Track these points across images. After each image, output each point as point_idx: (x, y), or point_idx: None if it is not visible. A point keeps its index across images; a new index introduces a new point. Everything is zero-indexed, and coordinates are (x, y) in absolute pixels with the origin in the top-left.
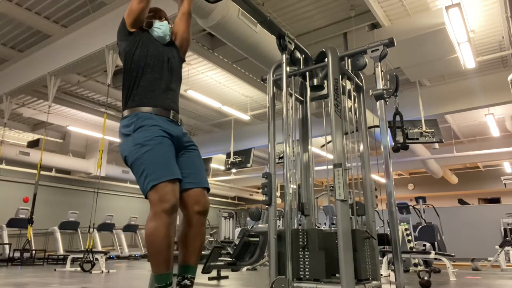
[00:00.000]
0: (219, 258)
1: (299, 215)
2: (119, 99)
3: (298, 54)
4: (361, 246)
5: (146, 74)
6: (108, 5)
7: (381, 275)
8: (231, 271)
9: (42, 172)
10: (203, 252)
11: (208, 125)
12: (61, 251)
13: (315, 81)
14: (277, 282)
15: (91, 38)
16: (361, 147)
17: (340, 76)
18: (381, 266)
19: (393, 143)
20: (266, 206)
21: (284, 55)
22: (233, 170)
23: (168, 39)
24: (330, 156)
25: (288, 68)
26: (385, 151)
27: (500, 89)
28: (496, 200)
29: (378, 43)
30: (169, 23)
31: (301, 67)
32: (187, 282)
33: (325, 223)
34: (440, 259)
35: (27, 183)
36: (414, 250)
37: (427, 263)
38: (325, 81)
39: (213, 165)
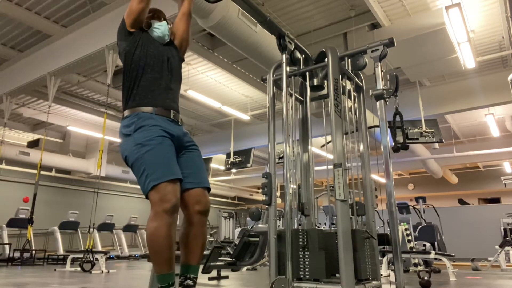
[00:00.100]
0: (219, 258)
1: (299, 215)
2: (119, 99)
3: (298, 54)
4: (361, 246)
5: (146, 74)
6: (108, 5)
7: (381, 275)
8: (231, 271)
9: (42, 172)
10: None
11: (208, 125)
12: (61, 251)
13: (315, 81)
14: (277, 282)
15: (91, 38)
16: (361, 147)
17: (340, 76)
18: (381, 266)
19: (393, 143)
20: (266, 206)
21: (284, 55)
22: (233, 170)
23: (168, 39)
24: (330, 156)
25: (288, 68)
26: (385, 151)
27: (500, 89)
28: (496, 200)
29: (378, 43)
30: (168, 23)
31: (301, 67)
32: (189, 282)
33: (325, 223)
34: (440, 259)
35: (27, 183)
36: (414, 250)
37: (427, 263)
38: (325, 81)
39: (213, 165)
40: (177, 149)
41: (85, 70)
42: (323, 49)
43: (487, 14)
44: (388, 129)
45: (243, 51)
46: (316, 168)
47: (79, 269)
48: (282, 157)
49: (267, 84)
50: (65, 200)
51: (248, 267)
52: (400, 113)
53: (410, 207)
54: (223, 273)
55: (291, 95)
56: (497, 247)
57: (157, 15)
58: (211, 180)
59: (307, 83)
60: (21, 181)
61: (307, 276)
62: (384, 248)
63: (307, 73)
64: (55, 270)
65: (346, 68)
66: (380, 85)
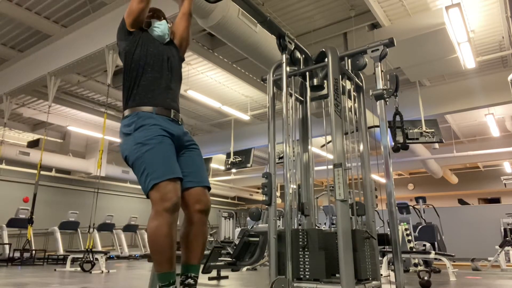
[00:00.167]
0: (219, 258)
1: (299, 215)
2: (119, 99)
3: (298, 54)
4: (361, 246)
5: (146, 73)
6: (108, 5)
7: (381, 275)
8: (231, 271)
9: (42, 172)
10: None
11: (208, 125)
12: (61, 251)
13: (315, 81)
14: (277, 282)
15: (91, 38)
16: (361, 147)
17: (340, 76)
18: (381, 266)
19: (393, 143)
20: (266, 206)
21: (284, 55)
22: (233, 170)
23: (167, 38)
24: (330, 156)
25: (288, 68)
26: (385, 151)
27: (500, 89)
28: (496, 200)
29: (378, 43)
30: (167, 22)
31: (301, 67)
32: (190, 281)
33: (325, 223)
34: (440, 259)
35: (27, 183)
36: (414, 250)
37: (427, 263)
38: (325, 81)
39: (213, 165)
40: (177, 149)
41: (85, 70)
42: (323, 49)
43: (487, 14)
44: (388, 129)
45: (243, 51)
46: (316, 168)
47: (79, 269)
48: (282, 157)
49: (267, 84)
50: (65, 200)
51: (248, 267)
52: (400, 113)
53: (410, 207)
54: (223, 273)
55: (291, 95)
56: (497, 247)
57: (157, 14)
58: (211, 180)
59: (307, 83)
60: (21, 181)
61: (307, 276)
62: (384, 248)
63: (307, 73)
64: (55, 270)
65: (346, 68)
66: (380, 85)
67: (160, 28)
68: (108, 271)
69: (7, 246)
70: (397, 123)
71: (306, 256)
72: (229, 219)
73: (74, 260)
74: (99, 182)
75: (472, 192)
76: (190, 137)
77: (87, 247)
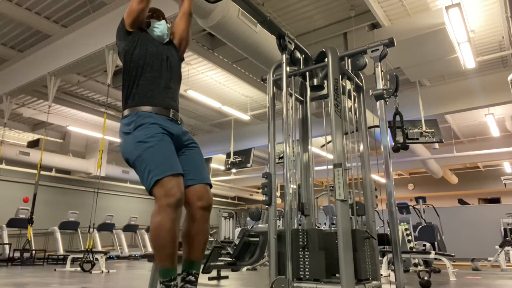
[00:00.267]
0: (219, 258)
1: (299, 215)
2: (119, 99)
3: (298, 54)
4: (361, 246)
5: (146, 73)
6: (108, 5)
7: (381, 275)
8: (231, 271)
9: (42, 172)
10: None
11: (208, 125)
12: (61, 251)
13: (315, 81)
14: (277, 282)
15: (91, 38)
16: (361, 147)
17: (340, 76)
18: (381, 266)
19: (393, 143)
20: (266, 206)
21: (284, 55)
22: (233, 170)
23: (167, 38)
24: (330, 156)
25: (288, 68)
26: (385, 151)
27: (500, 89)
28: (496, 200)
29: (378, 43)
30: (167, 22)
31: (301, 67)
32: (191, 278)
33: (325, 223)
34: (440, 259)
35: (27, 183)
36: (414, 250)
37: (427, 263)
38: (325, 81)
39: (213, 165)
40: (177, 148)
41: (85, 70)
42: (323, 49)
43: (487, 14)
44: (388, 129)
45: (243, 51)
46: (316, 168)
47: (79, 269)
48: (282, 157)
49: (267, 84)
50: (65, 200)
51: (248, 267)
52: (400, 113)
53: (410, 207)
54: (223, 273)
55: (291, 95)
56: (497, 247)
57: (156, 14)
58: (211, 180)
59: (307, 83)
60: (21, 181)
61: (307, 276)
62: (384, 248)
63: (307, 73)
64: (55, 270)
65: (346, 68)
66: (380, 85)
67: (159, 28)
68: (108, 271)
69: (7, 246)
70: (397, 123)
71: (306, 256)
72: (229, 219)
73: (74, 260)
74: (99, 182)
75: (472, 192)
76: (190, 136)
77: (87, 247)
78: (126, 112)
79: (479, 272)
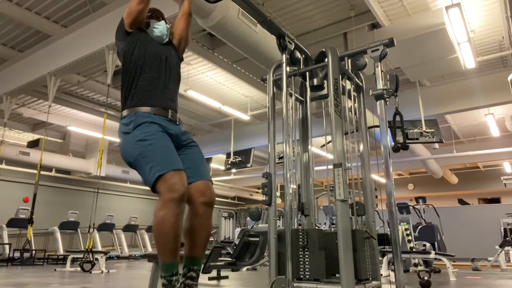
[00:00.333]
0: (219, 258)
1: (299, 215)
2: (119, 99)
3: (298, 54)
4: (361, 246)
5: (144, 73)
6: (108, 5)
7: (381, 275)
8: (231, 271)
9: (42, 172)
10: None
11: (208, 125)
12: (61, 251)
13: (315, 81)
14: (277, 282)
15: (91, 38)
16: (361, 147)
17: (340, 76)
18: (381, 266)
19: (393, 143)
20: (266, 206)
21: (284, 55)
22: (233, 170)
23: (166, 38)
24: (330, 156)
25: (288, 68)
26: (385, 151)
27: (500, 89)
28: (496, 200)
29: (378, 43)
30: (166, 23)
31: (301, 67)
32: (193, 274)
33: (325, 223)
34: (440, 259)
35: (27, 183)
36: (414, 250)
37: (427, 263)
38: (325, 81)
39: (213, 165)
40: (176, 148)
41: (85, 70)
42: (323, 49)
43: (487, 14)
44: (388, 129)
45: (243, 51)
46: (316, 168)
47: (79, 269)
48: (282, 157)
49: (267, 84)
50: (65, 200)
51: (248, 267)
52: (400, 113)
53: (410, 207)
54: (223, 273)
55: (291, 95)
56: (497, 247)
57: (156, 14)
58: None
59: (307, 83)
60: (21, 181)
61: (307, 276)
62: (384, 248)
63: (307, 73)
64: (55, 270)
65: (346, 68)
66: (380, 85)
67: (159, 28)
68: (108, 271)
69: (7, 246)
70: (397, 123)
71: (306, 256)
72: (229, 219)
73: (74, 260)
74: (99, 182)
75: (472, 192)
76: (189, 136)
77: (87, 247)
78: (124, 112)
79: (479, 272)
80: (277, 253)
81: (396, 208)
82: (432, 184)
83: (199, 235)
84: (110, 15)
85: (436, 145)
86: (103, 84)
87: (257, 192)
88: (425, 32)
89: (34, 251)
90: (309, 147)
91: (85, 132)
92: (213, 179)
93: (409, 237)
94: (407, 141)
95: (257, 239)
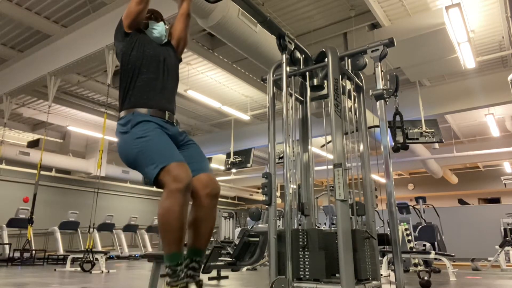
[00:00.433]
0: (219, 258)
1: (299, 215)
2: None
3: (298, 54)
4: (361, 246)
5: (142, 74)
6: (108, 5)
7: (381, 275)
8: (231, 271)
9: (42, 172)
10: None
11: (208, 125)
12: (61, 251)
13: (315, 81)
14: (277, 282)
15: (91, 38)
16: (361, 147)
17: (340, 76)
18: (381, 266)
19: (393, 143)
20: (266, 206)
21: (284, 55)
22: (233, 170)
23: (165, 39)
24: (330, 156)
25: (288, 68)
26: (385, 151)
27: (500, 89)
28: (496, 200)
29: (378, 43)
30: (165, 24)
31: (301, 67)
32: (195, 265)
33: (325, 223)
34: (440, 259)
35: (27, 183)
36: (414, 250)
37: (427, 263)
38: (325, 81)
39: (213, 165)
40: None
41: (85, 70)
42: (323, 49)
43: (487, 14)
44: (388, 129)
45: (243, 51)
46: (316, 168)
47: (79, 269)
48: (282, 157)
49: (267, 84)
50: (65, 200)
51: (248, 267)
52: (400, 113)
53: (410, 207)
54: (223, 273)
55: (291, 95)
56: (497, 247)
57: (155, 15)
58: None
59: (307, 83)
60: (21, 181)
61: (307, 276)
62: (384, 248)
63: (307, 73)
64: (55, 270)
65: (346, 68)
66: (380, 85)
67: (157, 29)
68: (108, 271)
69: (7, 246)
70: (397, 123)
71: (306, 256)
72: (229, 219)
73: (74, 260)
74: (99, 182)
75: (472, 192)
76: (187, 136)
77: (87, 247)
78: (122, 113)
79: (479, 272)
80: (277, 253)
81: (396, 208)
82: (432, 184)
83: (203, 226)
84: (110, 15)
85: (436, 145)
86: (103, 84)
87: (257, 192)
88: (425, 32)
89: (34, 251)
90: (309, 147)
91: (85, 132)
92: None
93: (409, 237)
94: (407, 141)
95: (257, 239)
